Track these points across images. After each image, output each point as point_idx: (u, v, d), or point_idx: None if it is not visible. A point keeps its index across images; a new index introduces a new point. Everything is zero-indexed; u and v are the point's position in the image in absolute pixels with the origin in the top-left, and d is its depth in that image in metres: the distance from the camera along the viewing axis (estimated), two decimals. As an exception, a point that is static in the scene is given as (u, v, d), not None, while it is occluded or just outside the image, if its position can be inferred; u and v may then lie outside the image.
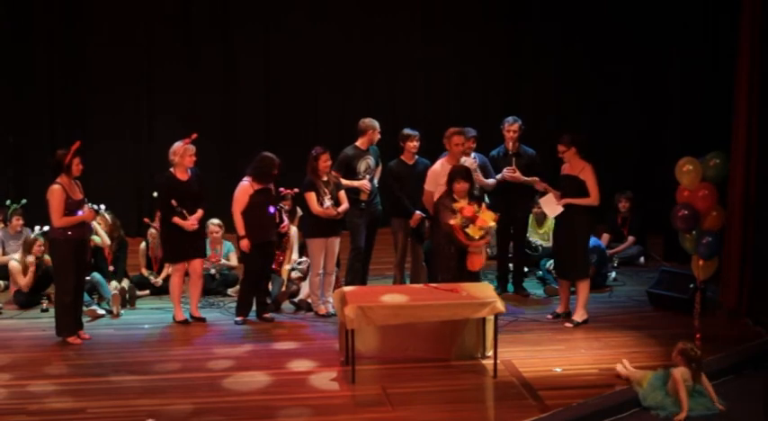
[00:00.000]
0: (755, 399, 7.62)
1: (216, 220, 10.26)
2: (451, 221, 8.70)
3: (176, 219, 9.29)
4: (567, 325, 9.32)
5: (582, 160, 9.26)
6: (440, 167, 9.39)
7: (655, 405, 7.45)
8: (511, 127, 10.11)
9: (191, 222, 9.30)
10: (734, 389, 7.75)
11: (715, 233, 9.07)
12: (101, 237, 10.21)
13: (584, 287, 9.35)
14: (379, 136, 9.96)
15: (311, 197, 9.49)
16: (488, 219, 8.75)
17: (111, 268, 10.26)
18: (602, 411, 7.47)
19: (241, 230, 9.39)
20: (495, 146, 10.30)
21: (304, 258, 10.31)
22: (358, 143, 9.96)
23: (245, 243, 9.39)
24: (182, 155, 9.31)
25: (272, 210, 9.45)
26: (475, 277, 8.85)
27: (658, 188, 11.49)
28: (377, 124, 9.97)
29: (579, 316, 9.35)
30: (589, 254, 9.58)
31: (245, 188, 9.41)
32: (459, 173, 8.93)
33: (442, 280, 8.69)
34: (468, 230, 8.67)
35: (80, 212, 8.83)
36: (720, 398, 7.47)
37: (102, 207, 10.37)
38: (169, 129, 11.74)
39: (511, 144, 10.12)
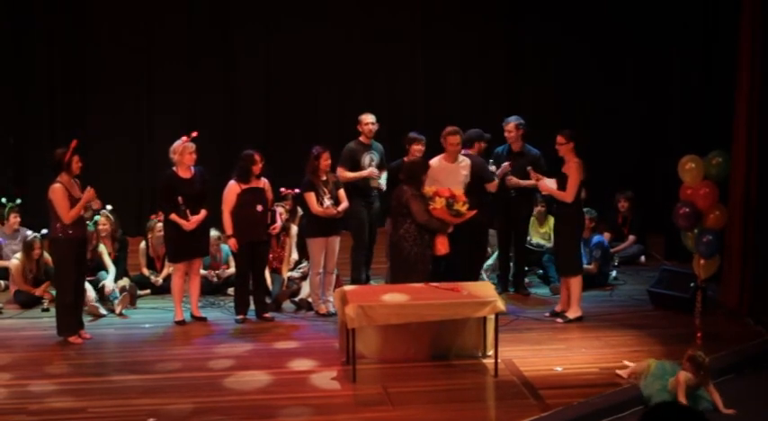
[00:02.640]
0: (757, 399, 7.63)
1: (215, 233, 10.16)
2: (433, 206, 8.75)
3: (174, 216, 9.29)
4: (558, 321, 9.34)
5: (575, 157, 9.26)
6: (437, 164, 9.42)
7: (649, 395, 7.44)
8: (506, 127, 10.13)
9: (189, 223, 9.29)
10: (735, 389, 7.74)
11: (716, 232, 9.07)
12: (107, 268, 10.17)
13: (575, 284, 9.34)
14: (371, 126, 10.01)
15: (311, 197, 9.49)
16: (461, 193, 8.94)
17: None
18: (603, 410, 7.46)
19: (229, 230, 9.41)
20: (494, 147, 10.31)
21: (305, 263, 10.29)
22: (360, 138, 10.07)
23: (232, 242, 9.43)
24: (181, 153, 9.31)
25: (259, 208, 9.43)
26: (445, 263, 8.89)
27: (659, 187, 11.50)
28: (363, 116, 10.06)
29: (573, 313, 9.36)
30: (582, 252, 9.60)
31: (232, 187, 9.43)
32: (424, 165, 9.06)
33: (415, 274, 8.63)
34: (456, 207, 8.75)
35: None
36: (725, 400, 7.42)
37: (109, 207, 10.37)
38: (169, 129, 11.72)
39: (512, 144, 10.13)
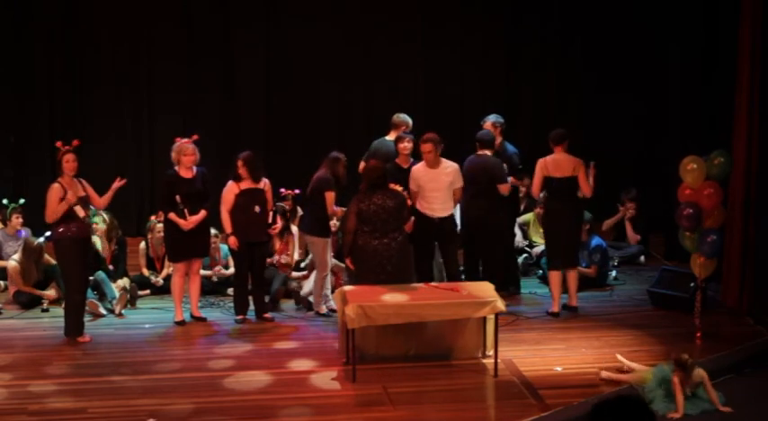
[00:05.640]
0: (757, 399, 7.63)
1: (213, 232, 10.11)
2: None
3: (172, 216, 9.29)
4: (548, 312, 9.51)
5: (551, 154, 9.48)
6: (421, 169, 9.42)
7: (652, 399, 7.44)
8: (484, 125, 10.14)
9: (187, 222, 9.28)
10: (735, 389, 7.74)
11: (719, 231, 9.05)
12: (101, 244, 10.17)
13: (571, 277, 9.52)
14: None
15: (331, 196, 9.48)
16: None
17: (110, 266, 10.26)
18: (603, 410, 7.45)
19: (228, 228, 9.41)
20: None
21: (308, 259, 10.30)
22: (389, 137, 10.04)
23: (232, 240, 9.40)
24: (178, 152, 9.33)
25: (257, 209, 9.42)
26: None
27: (659, 188, 11.49)
28: (410, 122, 10.10)
29: (552, 307, 9.49)
30: (579, 247, 9.74)
31: (230, 187, 9.44)
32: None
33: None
34: None
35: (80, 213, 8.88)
36: (723, 398, 7.43)
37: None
38: (169, 129, 11.75)
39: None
